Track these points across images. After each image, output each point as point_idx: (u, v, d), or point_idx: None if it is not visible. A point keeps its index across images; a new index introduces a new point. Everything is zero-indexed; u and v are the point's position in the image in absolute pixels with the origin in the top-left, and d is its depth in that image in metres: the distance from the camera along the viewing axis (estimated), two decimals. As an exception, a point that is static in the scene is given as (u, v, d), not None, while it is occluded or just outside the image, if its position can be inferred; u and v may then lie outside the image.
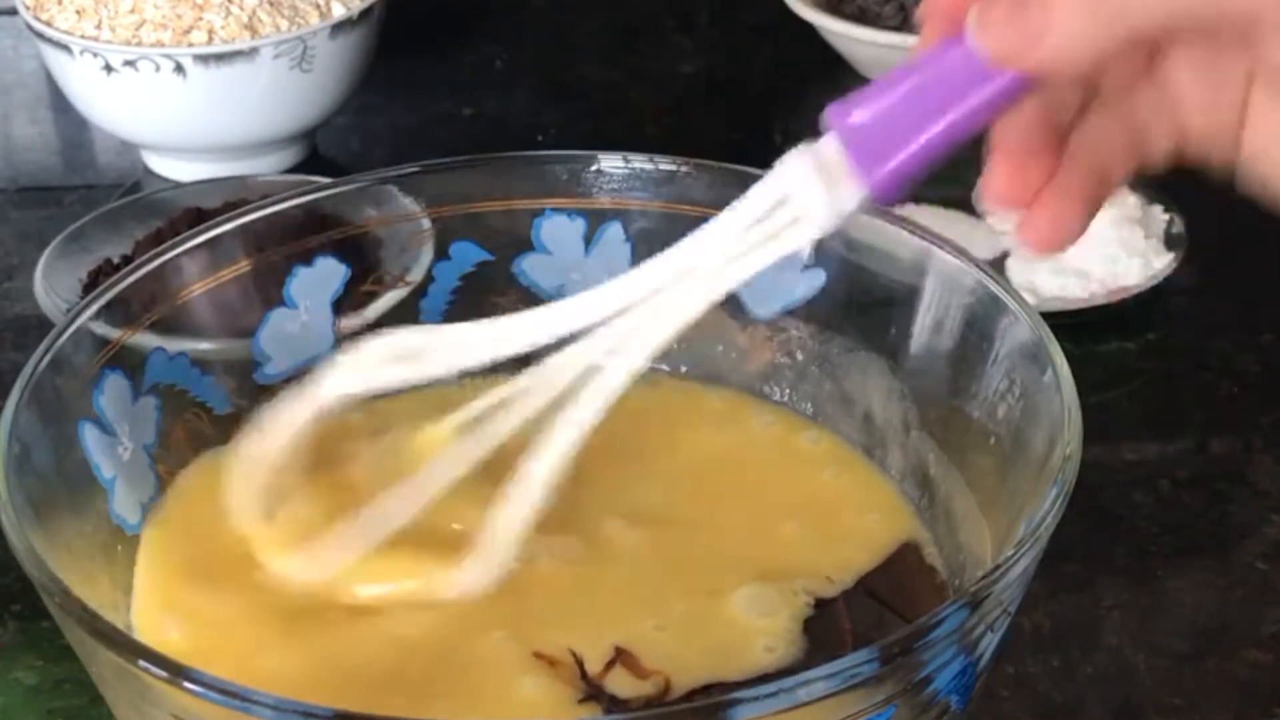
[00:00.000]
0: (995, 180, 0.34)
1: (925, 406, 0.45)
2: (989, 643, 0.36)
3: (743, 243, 0.36)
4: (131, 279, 0.44)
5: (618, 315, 0.37)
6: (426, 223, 0.50)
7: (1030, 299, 0.65)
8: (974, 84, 0.32)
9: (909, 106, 0.33)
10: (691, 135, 0.88)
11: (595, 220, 0.49)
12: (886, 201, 0.34)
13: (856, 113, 0.34)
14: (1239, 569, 0.57)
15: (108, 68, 0.76)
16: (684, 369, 0.49)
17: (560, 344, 0.38)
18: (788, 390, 0.49)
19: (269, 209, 0.47)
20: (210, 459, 0.45)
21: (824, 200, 0.35)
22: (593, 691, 0.38)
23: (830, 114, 0.34)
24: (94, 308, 0.43)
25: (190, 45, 0.76)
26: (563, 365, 0.38)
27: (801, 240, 0.35)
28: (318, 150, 0.85)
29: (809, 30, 0.92)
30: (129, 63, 0.76)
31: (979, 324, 0.43)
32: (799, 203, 0.35)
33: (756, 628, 0.39)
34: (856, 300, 0.47)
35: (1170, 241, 0.71)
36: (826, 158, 0.34)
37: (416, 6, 0.95)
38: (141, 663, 0.32)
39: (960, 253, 0.44)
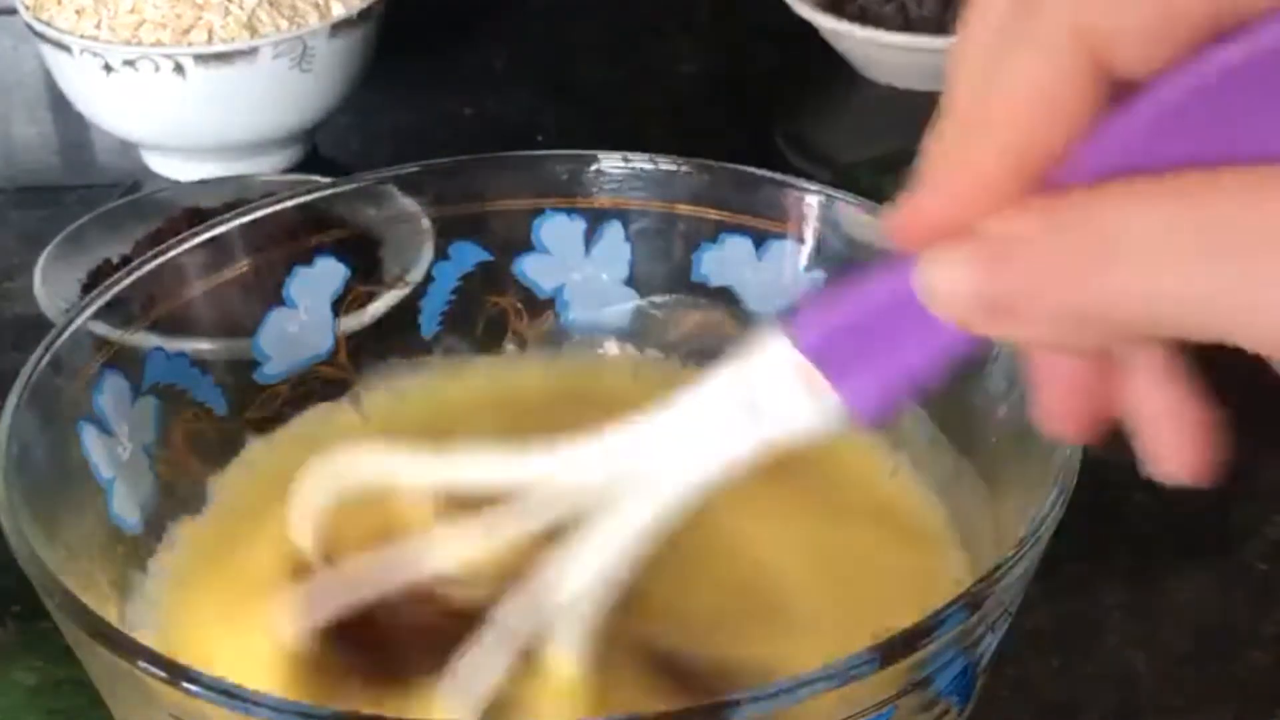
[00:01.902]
0: (1047, 415, 0.30)
1: (925, 406, 0.45)
2: (989, 643, 0.36)
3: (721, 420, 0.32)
4: (131, 279, 0.44)
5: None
6: (426, 223, 0.50)
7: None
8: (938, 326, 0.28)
9: (881, 329, 0.29)
10: (691, 135, 0.88)
11: (595, 220, 0.49)
12: (875, 421, 0.31)
13: (818, 331, 0.30)
14: (1240, 569, 0.57)
15: (107, 67, 0.76)
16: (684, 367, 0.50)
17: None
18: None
19: (269, 209, 0.47)
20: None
21: (807, 410, 0.31)
22: None
23: (797, 331, 0.30)
24: (93, 308, 0.43)
25: (190, 45, 0.76)
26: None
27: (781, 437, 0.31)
28: (318, 150, 0.85)
29: (809, 30, 0.92)
30: (129, 62, 0.76)
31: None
32: (774, 401, 0.31)
33: None
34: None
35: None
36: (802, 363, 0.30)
37: (416, 6, 0.95)
38: (141, 663, 0.32)
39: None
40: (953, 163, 0.26)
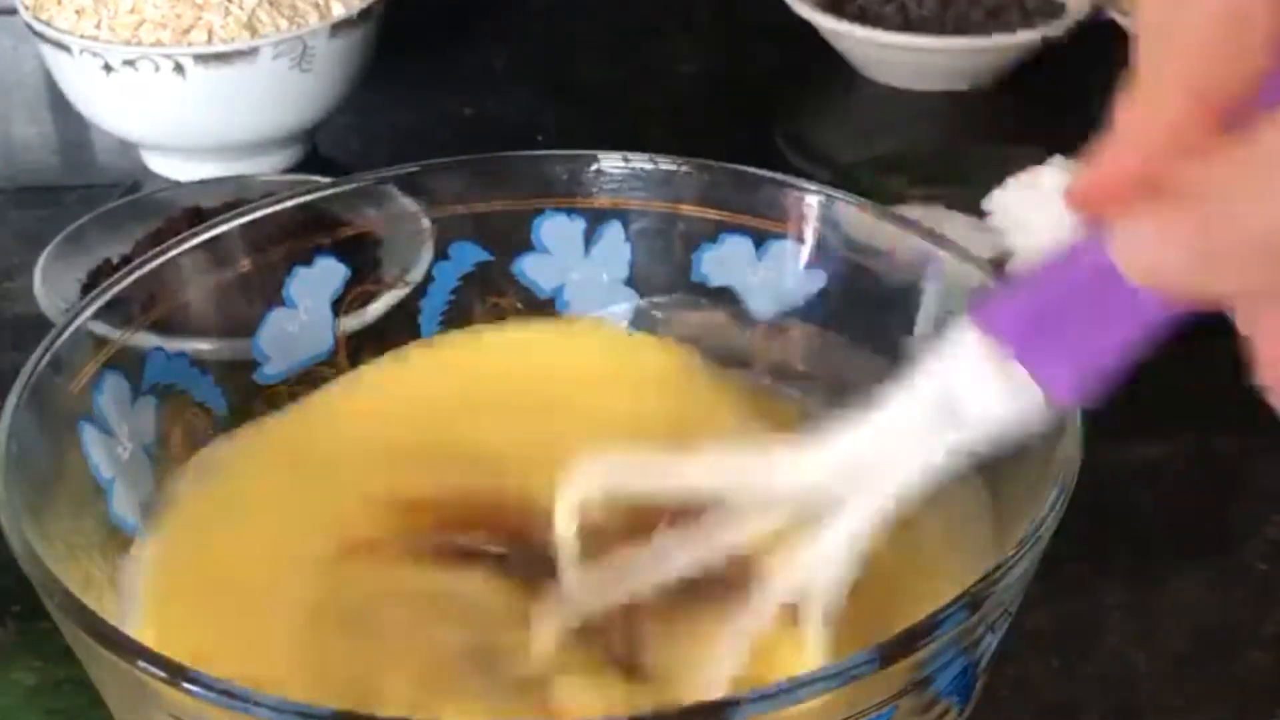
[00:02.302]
0: (1267, 364, 0.27)
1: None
2: (989, 643, 0.36)
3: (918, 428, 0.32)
4: (131, 279, 0.44)
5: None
6: (426, 223, 0.50)
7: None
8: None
9: (1076, 309, 0.28)
10: (691, 135, 0.88)
11: (595, 220, 0.49)
12: (1080, 400, 0.30)
13: (1014, 318, 0.29)
14: (1240, 569, 0.57)
15: (107, 67, 0.76)
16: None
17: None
18: (789, 390, 0.49)
19: (269, 209, 0.47)
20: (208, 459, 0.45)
21: (1007, 404, 0.30)
22: None
23: (988, 319, 0.29)
24: (93, 308, 0.43)
25: (190, 45, 0.76)
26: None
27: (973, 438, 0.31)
28: (318, 150, 0.85)
29: (809, 30, 0.92)
30: (128, 62, 0.76)
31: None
32: (972, 398, 0.30)
33: None
34: (856, 300, 0.47)
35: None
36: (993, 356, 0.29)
37: (416, 6, 0.95)
38: (141, 663, 0.32)
39: (960, 252, 0.44)
40: (1140, 112, 0.25)
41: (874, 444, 0.32)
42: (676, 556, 0.34)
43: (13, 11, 0.82)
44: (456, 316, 0.50)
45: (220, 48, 0.76)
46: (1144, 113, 0.24)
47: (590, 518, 0.36)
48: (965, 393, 0.30)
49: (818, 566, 0.33)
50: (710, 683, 0.34)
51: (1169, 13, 0.24)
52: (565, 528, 0.37)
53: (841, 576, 0.34)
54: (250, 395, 0.47)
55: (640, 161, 0.49)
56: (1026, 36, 0.90)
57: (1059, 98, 0.91)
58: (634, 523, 0.36)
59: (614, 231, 0.49)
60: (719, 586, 0.35)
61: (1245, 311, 0.27)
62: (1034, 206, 0.69)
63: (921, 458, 0.32)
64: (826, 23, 0.90)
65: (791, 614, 0.34)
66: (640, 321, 0.50)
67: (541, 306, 0.50)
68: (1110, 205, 0.25)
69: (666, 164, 0.48)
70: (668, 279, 0.49)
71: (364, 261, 0.50)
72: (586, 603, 0.36)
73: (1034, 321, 0.28)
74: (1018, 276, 0.29)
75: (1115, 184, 0.25)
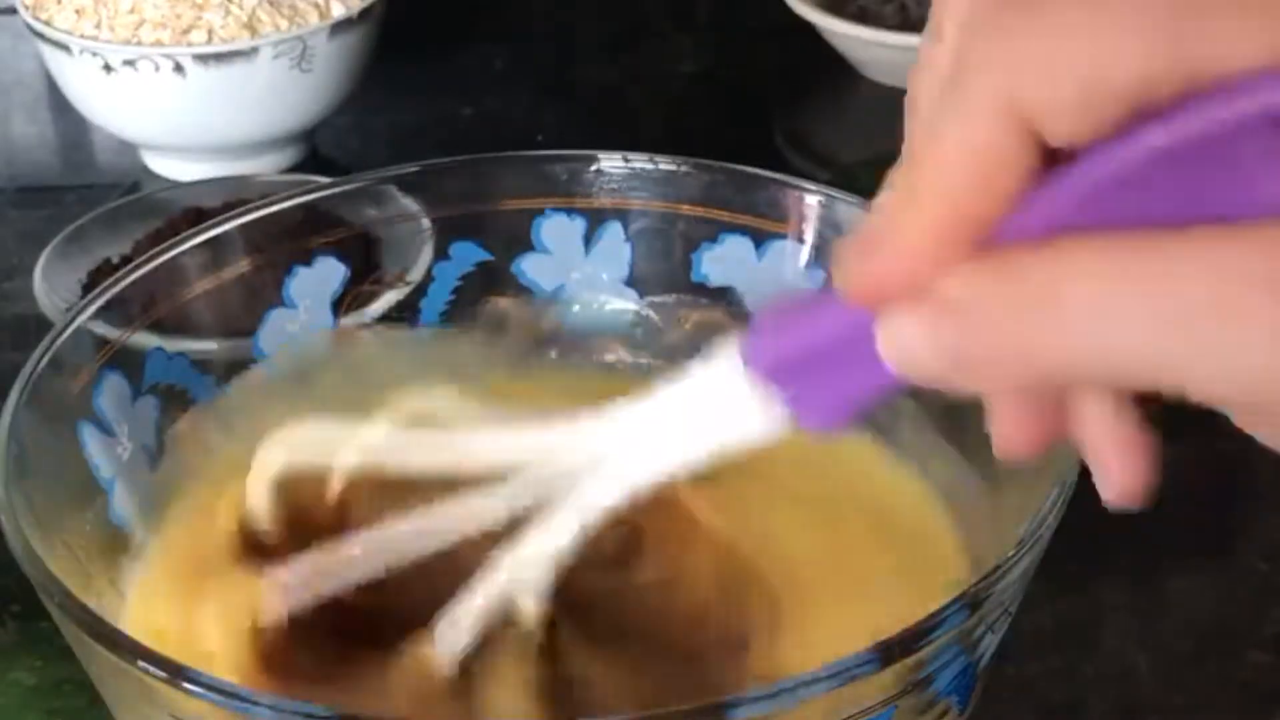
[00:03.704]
0: (1002, 439, 0.30)
1: (926, 406, 0.45)
2: (989, 643, 0.36)
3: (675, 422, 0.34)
4: (131, 279, 0.44)
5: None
6: (426, 223, 0.50)
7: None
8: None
9: (834, 357, 0.30)
10: (691, 135, 0.88)
11: (595, 220, 0.49)
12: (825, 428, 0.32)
13: (776, 353, 0.31)
14: (1240, 569, 0.57)
15: (107, 67, 0.76)
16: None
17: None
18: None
19: (269, 209, 0.47)
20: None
21: (758, 420, 0.32)
22: None
23: (752, 350, 0.31)
24: (93, 308, 0.43)
25: (190, 45, 0.76)
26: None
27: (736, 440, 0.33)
28: (317, 150, 0.85)
29: (809, 30, 0.92)
30: (128, 62, 0.76)
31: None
32: (726, 410, 0.32)
33: None
34: (856, 300, 0.47)
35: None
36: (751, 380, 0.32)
37: (416, 6, 0.95)
38: (141, 663, 0.32)
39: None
40: (897, 223, 0.27)
41: (620, 434, 0.35)
42: (421, 536, 0.37)
43: (13, 11, 0.82)
44: (456, 316, 0.50)
45: (220, 48, 0.76)
46: (907, 229, 0.27)
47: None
48: (721, 405, 0.32)
49: (541, 544, 0.36)
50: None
51: (940, 118, 0.26)
52: (257, 499, 0.39)
53: (556, 561, 0.36)
54: (250, 395, 0.47)
55: (640, 161, 0.49)
56: (1026, 36, 0.90)
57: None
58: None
59: (614, 231, 0.49)
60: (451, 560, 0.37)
61: (990, 398, 0.30)
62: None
63: (661, 455, 0.34)
64: (826, 23, 0.90)
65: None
66: (640, 321, 0.50)
67: (541, 306, 0.50)
68: (879, 301, 0.27)
69: (666, 164, 0.48)
70: (668, 279, 0.49)
71: (364, 261, 0.50)
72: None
73: (791, 359, 0.31)
74: (785, 309, 0.31)
75: (884, 284, 0.27)
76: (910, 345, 0.27)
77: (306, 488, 0.40)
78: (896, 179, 0.28)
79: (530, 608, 0.37)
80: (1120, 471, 0.29)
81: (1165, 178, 0.24)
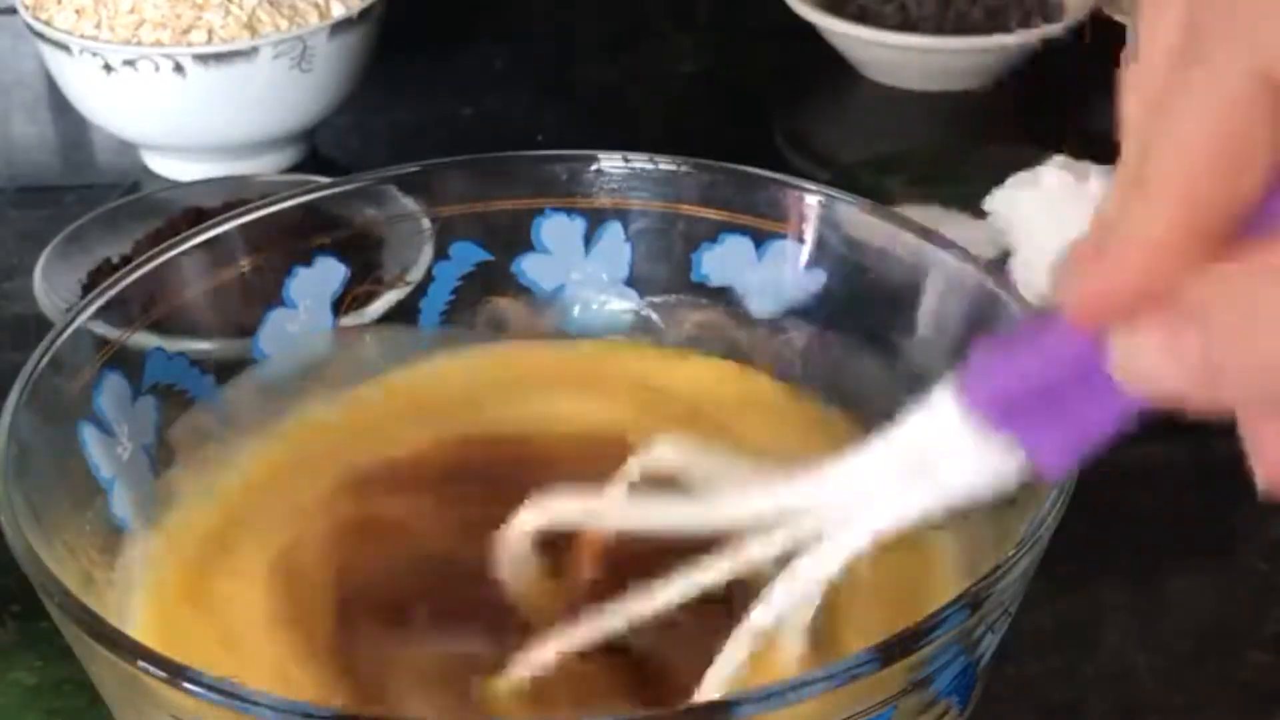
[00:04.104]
0: (1269, 467, 0.27)
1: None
2: (989, 643, 0.36)
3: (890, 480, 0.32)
4: (131, 279, 0.44)
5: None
6: (426, 223, 0.50)
7: (1031, 299, 0.65)
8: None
9: (1062, 389, 0.27)
10: (691, 135, 0.88)
11: (595, 220, 0.49)
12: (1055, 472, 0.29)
13: (998, 391, 0.29)
14: (1240, 569, 0.57)
15: (107, 67, 0.76)
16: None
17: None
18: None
19: (269, 209, 0.47)
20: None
21: (977, 465, 0.30)
22: None
23: (971, 389, 0.29)
24: (93, 308, 0.43)
25: (190, 45, 0.76)
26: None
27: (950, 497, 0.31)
28: (317, 150, 0.85)
29: (809, 30, 0.92)
30: (128, 62, 0.76)
31: (979, 324, 0.43)
32: (949, 462, 0.30)
33: None
34: (856, 300, 0.47)
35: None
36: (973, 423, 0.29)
37: (416, 6, 0.95)
38: (141, 663, 0.32)
39: (960, 252, 0.44)
40: (1129, 226, 0.24)
41: (852, 486, 0.32)
42: (664, 591, 0.34)
43: (13, 11, 0.82)
44: (456, 316, 0.50)
45: (220, 48, 0.76)
46: (1142, 225, 0.24)
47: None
48: (943, 454, 0.30)
49: (792, 599, 0.34)
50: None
51: (1159, 119, 0.24)
52: (509, 561, 0.37)
53: (812, 609, 0.35)
54: (250, 395, 0.47)
55: (640, 161, 0.49)
56: (1026, 36, 0.90)
57: (1059, 98, 0.91)
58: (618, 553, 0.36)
59: (614, 231, 0.49)
60: (707, 607, 0.35)
61: (1245, 420, 0.27)
62: (1034, 206, 0.69)
63: (897, 506, 0.32)
64: (826, 23, 0.90)
65: (771, 641, 0.35)
66: (640, 322, 0.50)
67: (541, 307, 0.50)
68: (1111, 318, 0.25)
69: (666, 164, 0.48)
70: (668, 279, 0.49)
71: (364, 261, 0.50)
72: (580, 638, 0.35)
73: (1016, 394, 0.28)
74: (1002, 342, 0.29)
75: (1116, 297, 0.25)
76: (1155, 365, 0.24)
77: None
78: (1117, 188, 0.25)
79: (789, 663, 0.35)
80: None
81: None
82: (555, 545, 0.37)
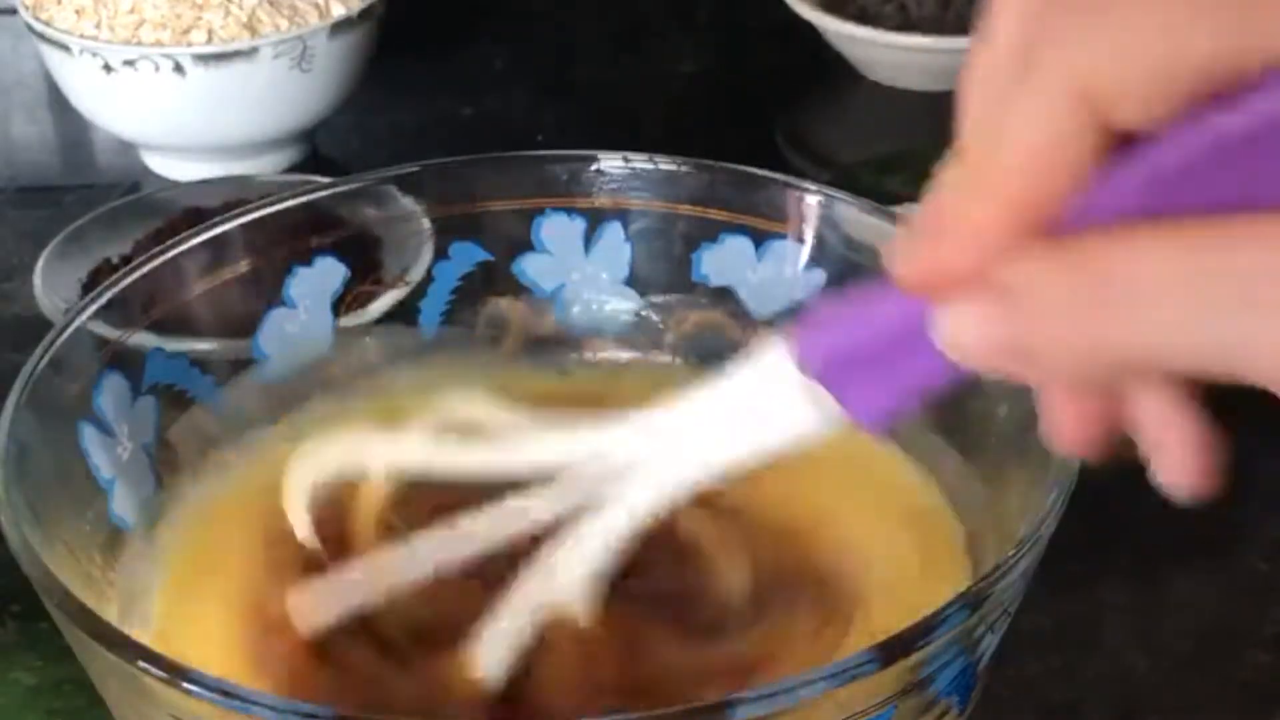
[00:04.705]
0: (1057, 432, 0.30)
1: (926, 406, 0.45)
2: (989, 643, 0.36)
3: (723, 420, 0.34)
4: (131, 279, 0.44)
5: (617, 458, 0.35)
6: (426, 223, 0.50)
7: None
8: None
9: (884, 349, 0.30)
10: (691, 135, 0.88)
11: (595, 220, 0.49)
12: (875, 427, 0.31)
13: (827, 348, 0.31)
14: (1240, 569, 0.57)
15: (107, 67, 0.76)
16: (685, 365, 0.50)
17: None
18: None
19: (269, 209, 0.47)
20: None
21: (807, 418, 0.32)
22: None
23: (802, 345, 0.31)
24: (93, 308, 0.43)
25: (190, 45, 0.76)
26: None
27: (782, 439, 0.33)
28: (318, 150, 0.85)
29: (809, 30, 0.92)
30: (128, 62, 0.76)
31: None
32: (775, 409, 0.32)
33: None
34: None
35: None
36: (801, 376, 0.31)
37: (416, 6, 0.95)
38: (141, 663, 0.32)
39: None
40: (960, 211, 0.27)
41: (668, 434, 0.34)
42: (472, 538, 0.36)
43: (13, 11, 0.82)
44: (456, 316, 0.50)
45: (220, 48, 0.76)
46: (972, 216, 0.26)
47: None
48: (769, 404, 0.32)
49: (590, 541, 0.35)
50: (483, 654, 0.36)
51: (995, 115, 0.26)
52: (294, 511, 0.39)
53: (605, 564, 0.35)
54: (250, 395, 0.47)
55: (640, 161, 0.49)
56: (1026, 36, 0.90)
57: (1059, 98, 0.91)
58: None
59: (614, 231, 0.49)
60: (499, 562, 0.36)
61: (1045, 392, 0.29)
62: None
63: (710, 454, 0.34)
64: (826, 23, 0.90)
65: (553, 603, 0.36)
66: (640, 322, 0.50)
67: (541, 307, 0.50)
68: (937, 291, 0.27)
69: (666, 164, 0.48)
70: (668, 279, 0.49)
71: (364, 261, 0.50)
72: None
73: (842, 354, 0.30)
74: (833, 306, 0.31)
75: (942, 273, 0.27)
76: (970, 335, 0.27)
77: (339, 499, 0.40)
78: (947, 173, 0.27)
79: (579, 613, 0.36)
80: (1183, 463, 0.29)
81: (1233, 163, 0.24)
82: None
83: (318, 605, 0.38)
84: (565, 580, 0.36)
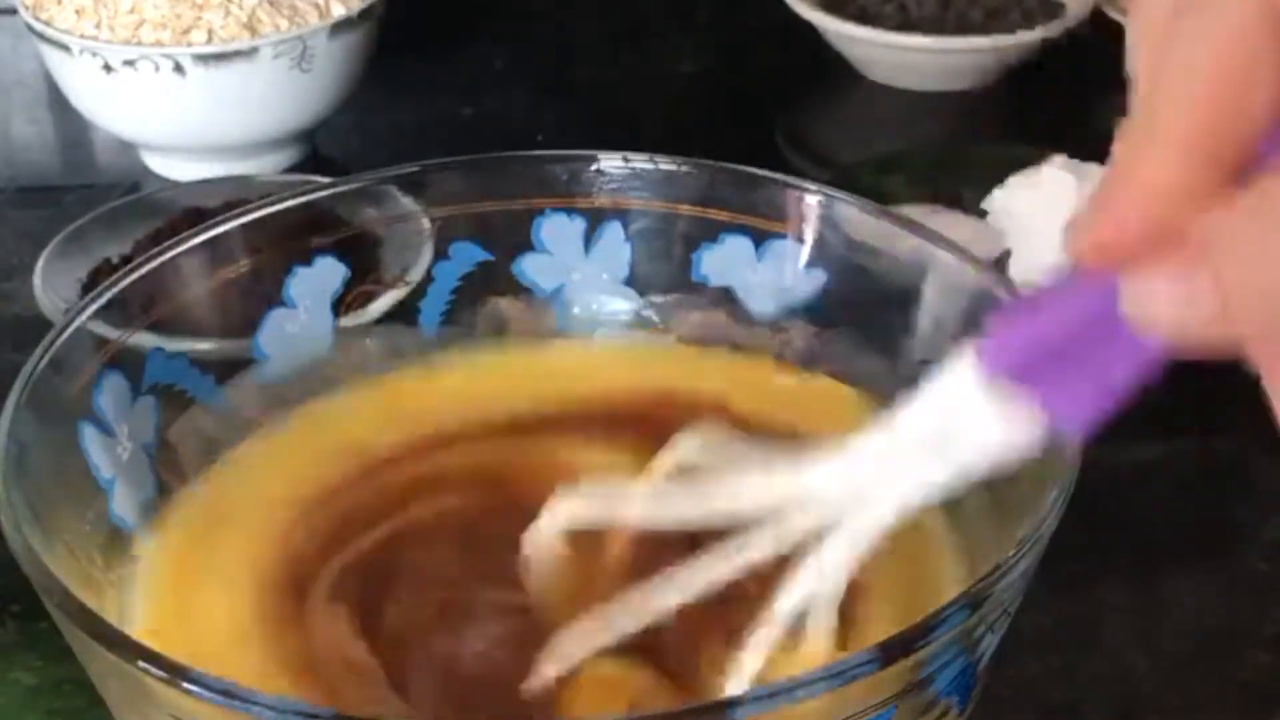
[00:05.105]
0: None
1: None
2: (989, 643, 0.36)
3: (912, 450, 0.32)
4: (131, 279, 0.44)
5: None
6: (426, 223, 0.50)
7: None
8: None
9: (1078, 343, 0.27)
10: (691, 135, 0.88)
11: (595, 220, 0.49)
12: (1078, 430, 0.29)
13: (1016, 351, 0.28)
14: (1240, 569, 0.57)
15: (107, 67, 0.76)
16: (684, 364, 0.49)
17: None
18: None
19: (269, 209, 0.47)
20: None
21: (998, 428, 0.29)
22: None
23: (989, 351, 0.29)
24: (93, 308, 0.43)
25: (190, 45, 0.76)
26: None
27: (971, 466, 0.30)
28: (318, 150, 0.85)
29: (809, 30, 0.92)
30: (128, 62, 0.76)
31: (979, 324, 0.43)
32: (969, 428, 0.30)
33: None
34: (856, 300, 0.47)
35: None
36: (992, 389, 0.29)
37: (416, 6, 0.95)
38: (141, 663, 0.32)
39: (960, 253, 0.44)
40: (1136, 158, 0.24)
41: (872, 464, 0.32)
42: (688, 581, 0.34)
43: (13, 11, 0.82)
44: (456, 316, 0.50)
45: (220, 48, 0.76)
46: (1148, 165, 0.23)
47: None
48: (963, 419, 0.30)
49: (819, 581, 0.34)
50: (729, 688, 0.34)
51: (1164, 61, 0.23)
52: (538, 560, 0.37)
53: (839, 590, 0.34)
54: (250, 395, 0.47)
55: (640, 161, 0.49)
56: (1026, 36, 0.90)
57: (1059, 98, 0.91)
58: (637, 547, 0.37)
59: (614, 231, 0.49)
60: (732, 597, 0.35)
61: (1260, 359, 0.25)
62: (1034, 206, 0.69)
63: (918, 480, 0.32)
64: (826, 23, 0.90)
65: (798, 627, 0.35)
66: (640, 322, 0.50)
67: (541, 307, 0.50)
68: (1122, 260, 0.24)
69: (666, 164, 0.48)
70: (668, 279, 0.49)
71: (364, 261, 0.50)
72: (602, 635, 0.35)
73: (1036, 355, 0.28)
74: (1016, 306, 0.28)
75: (1125, 239, 0.24)
76: (1165, 305, 0.24)
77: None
78: (1120, 138, 0.24)
79: (819, 640, 0.34)
80: None
81: None
82: (577, 544, 0.37)
83: (553, 655, 0.36)
84: (801, 605, 0.34)
